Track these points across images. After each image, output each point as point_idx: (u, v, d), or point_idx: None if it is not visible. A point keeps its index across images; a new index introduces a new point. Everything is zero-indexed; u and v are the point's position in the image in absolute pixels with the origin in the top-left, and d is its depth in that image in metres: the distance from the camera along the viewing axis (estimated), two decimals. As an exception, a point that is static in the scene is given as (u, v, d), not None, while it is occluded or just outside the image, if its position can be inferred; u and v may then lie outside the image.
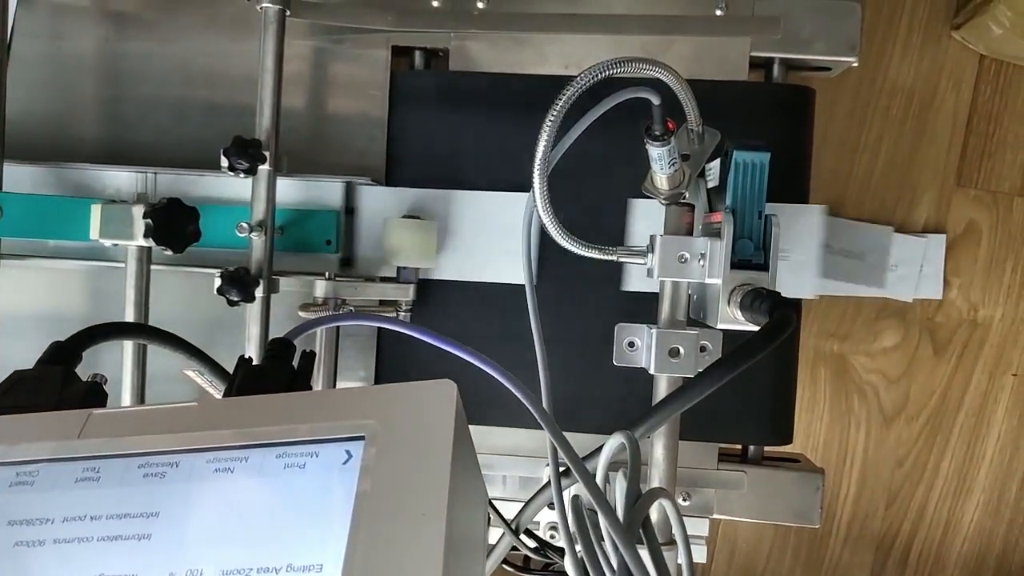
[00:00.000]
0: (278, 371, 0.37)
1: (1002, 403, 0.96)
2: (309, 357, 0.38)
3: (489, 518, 0.58)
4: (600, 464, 0.42)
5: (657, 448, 0.57)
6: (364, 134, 0.68)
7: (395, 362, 0.69)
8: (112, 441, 0.31)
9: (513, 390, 0.39)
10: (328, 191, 0.68)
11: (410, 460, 0.29)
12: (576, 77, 0.46)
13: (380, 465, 0.29)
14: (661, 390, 0.56)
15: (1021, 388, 0.95)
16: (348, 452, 0.30)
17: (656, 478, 0.57)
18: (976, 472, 0.97)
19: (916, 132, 0.93)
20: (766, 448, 0.73)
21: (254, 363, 0.38)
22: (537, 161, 0.48)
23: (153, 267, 0.66)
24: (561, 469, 0.52)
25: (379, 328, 0.68)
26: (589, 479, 0.34)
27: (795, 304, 0.70)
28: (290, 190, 0.68)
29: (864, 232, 0.91)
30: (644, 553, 0.35)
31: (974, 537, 0.98)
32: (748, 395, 0.68)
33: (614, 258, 0.56)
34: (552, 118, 0.47)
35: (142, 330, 0.43)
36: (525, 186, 0.51)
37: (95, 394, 0.37)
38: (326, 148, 0.68)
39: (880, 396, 0.97)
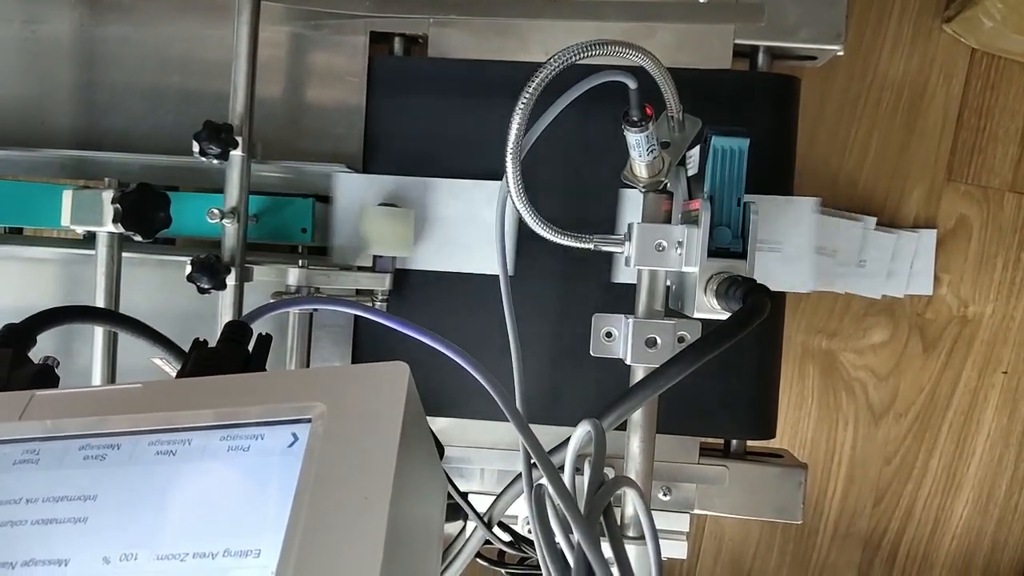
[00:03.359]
0: (232, 354, 0.36)
1: (992, 401, 0.95)
2: (265, 341, 0.37)
3: (465, 513, 0.57)
4: (568, 454, 0.41)
5: (634, 441, 0.56)
6: (342, 121, 0.67)
7: (372, 353, 0.68)
8: (53, 423, 0.30)
9: (479, 377, 0.38)
10: (304, 178, 0.67)
11: (356, 443, 0.28)
12: (548, 59, 0.45)
13: (326, 448, 0.28)
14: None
15: (1011, 386, 0.94)
16: (294, 435, 0.29)
17: (633, 472, 0.56)
18: (965, 470, 0.96)
19: (906, 126, 0.92)
20: (750, 443, 0.72)
21: (209, 346, 0.37)
22: (509, 146, 0.47)
23: (130, 256, 0.65)
24: (533, 461, 0.51)
25: (355, 318, 0.67)
26: (550, 468, 0.33)
27: (777, 296, 0.69)
28: (266, 177, 0.68)
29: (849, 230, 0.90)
30: (605, 545, 0.34)
31: (962, 535, 0.97)
32: (730, 388, 0.67)
33: (591, 246, 0.55)
34: (524, 102, 0.46)
35: (98, 314, 0.42)
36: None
37: (45, 377, 0.36)
38: (303, 135, 0.67)
39: (869, 393, 0.96)
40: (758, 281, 0.46)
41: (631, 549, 0.53)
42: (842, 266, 0.90)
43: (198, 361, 0.35)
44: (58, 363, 0.38)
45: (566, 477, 0.40)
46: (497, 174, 0.62)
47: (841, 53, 0.64)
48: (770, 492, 0.68)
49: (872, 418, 0.96)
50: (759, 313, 0.40)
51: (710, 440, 0.71)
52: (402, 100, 0.66)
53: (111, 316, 0.40)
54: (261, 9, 0.60)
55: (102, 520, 0.27)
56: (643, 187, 0.56)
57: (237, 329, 0.37)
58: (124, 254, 0.64)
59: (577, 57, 0.45)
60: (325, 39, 0.67)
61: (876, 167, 0.92)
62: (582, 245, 0.54)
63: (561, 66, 0.45)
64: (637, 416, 0.56)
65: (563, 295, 0.67)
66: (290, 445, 0.29)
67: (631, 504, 0.55)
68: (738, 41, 0.65)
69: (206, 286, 0.57)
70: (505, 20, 0.65)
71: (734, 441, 0.71)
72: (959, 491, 0.96)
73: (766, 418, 0.69)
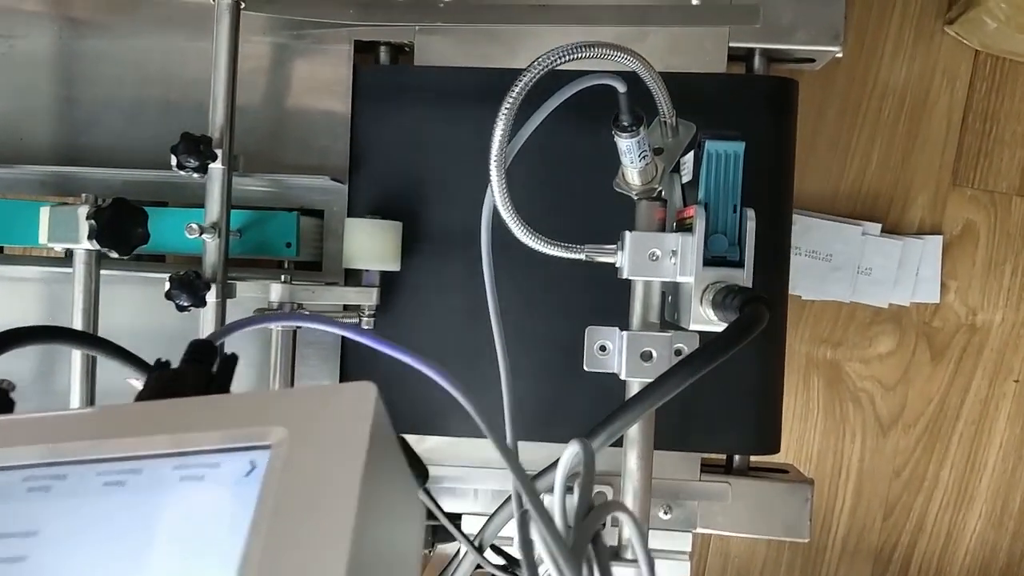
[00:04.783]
0: (195, 375, 0.34)
1: (1003, 410, 0.92)
2: (230, 361, 0.35)
3: (449, 536, 0.55)
4: (557, 476, 0.38)
5: (631, 457, 0.54)
6: (326, 132, 0.65)
7: (360, 371, 0.66)
8: (-2, 452, 0.28)
9: (458, 397, 0.36)
10: (289, 191, 0.65)
11: (317, 471, 0.26)
12: (532, 63, 0.43)
13: (285, 477, 0.26)
14: (633, 397, 0.53)
15: (1023, 394, 0.92)
16: (252, 463, 0.27)
17: (630, 489, 0.54)
18: (977, 482, 0.93)
19: (910, 131, 0.90)
20: (753, 458, 0.70)
21: (172, 367, 0.35)
22: (493, 153, 0.45)
23: (114, 274, 0.64)
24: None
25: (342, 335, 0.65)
26: (534, 494, 0.31)
27: (779, 305, 0.67)
28: (251, 191, 0.66)
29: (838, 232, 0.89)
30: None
31: (976, 549, 0.94)
32: (732, 402, 0.65)
33: (582, 256, 0.52)
34: (507, 108, 0.44)
35: (58, 334, 0.40)
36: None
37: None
38: (287, 147, 0.66)
39: (876, 404, 0.93)
40: (756, 291, 0.44)
41: (629, 573, 0.51)
42: (838, 269, 0.89)
43: (158, 383, 0.33)
44: (13, 387, 0.36)
45: (555, 500, 0.38)
46: (486, 183, 0.61)
47: (840, 55, 0.62)
48: (775, 509, 0.66)
49: (880, 429, 0.93)
50: (757, 324, 0.38)
51: (712, 456, 0.69)
52: (388, 110, 0.65)
53: (73, 335, 0.38)
54: (242, 19, 0.58)
55: (42, 558, 0.25)
56: (636, 195, 0.54)
57: (201, 349, 0.35)
58: (109, 272, 0.63)
59: (562, 60, 0.43)
60: (308, 49, 0.65)
61: (879, 173, 0.90)
62: (573, 256, 0.52)
63: (544, 70, 0.43)
64: (634, 431, 0.53)
65: (559, 308, 0.65)
66: (247, 474, 0.27)
67: (628, 528, 0.53)
68: (733, 44, 0.63)
69: (185, 304, 0.55)
70: (492, 27, 0.64)
71: (737, 456, 0.68)
72: (972, 504, 0.93)
73: (769, 432, 0.67)
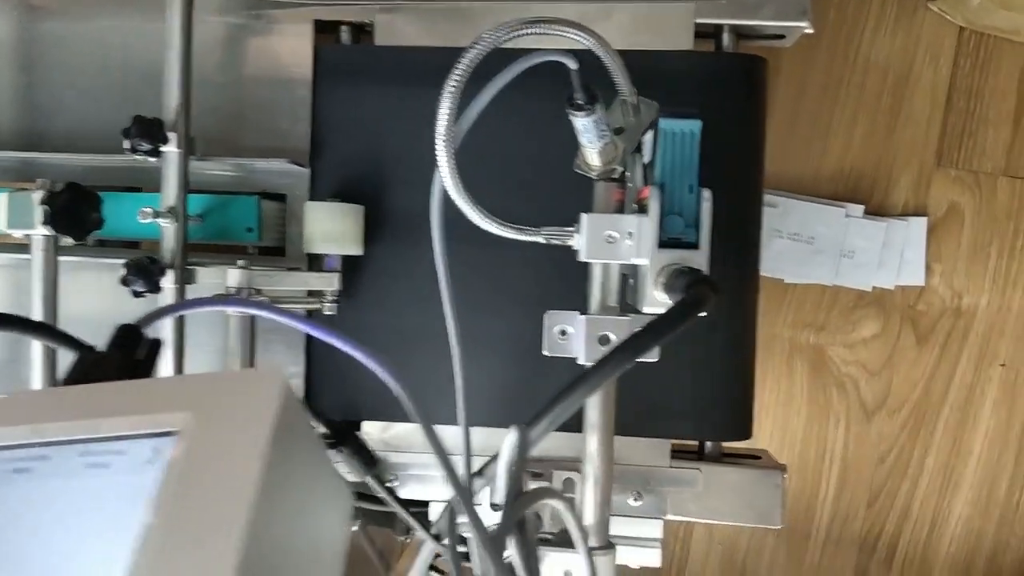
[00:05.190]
0: (118, 360, 0.33)
1: (989, 395, 0.91)
2: (154, 345, 0.34)
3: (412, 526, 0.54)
4: (501, 462, 0.38)
5: (591, 442, 0.53)
6: (287, 114, 0.64)
7: (327, 359, 0.65)
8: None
9: (391, 385, 0.35)
10: (253, 175, 0.64)
11: (219, 458, 0.25)
12: (476, 39, 0.42)
13: (187, 464, 0.25)
14: (592, 382, 0.52)
15: (1009, 379, 0.91)
16: (156, 449, 0.26)
17: (591, 474, 0.53)
18: (963, 468, 0.92)
19: (892, 110, 0.88)
20: (729, 444, 0.68)
21: (97, 352, 0.34)
22: (440, 132, 0.44)
23: (86, 261, 0.63)
24: (476, 470, 0.48)
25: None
26: (453, 477, 0.30)
27: (751, 287, 0.66)
28: (216, 176, 0.65)
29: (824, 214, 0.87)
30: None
31: (962, 536, 0.93)
32: (701, 387, 0.64)
33: (540, 239, 0.51)
34: (452, 85, 0.43)
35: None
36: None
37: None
38: (246, 129, 0.64)
39: (860, 389, 0.92)
40: (705, 273, 0.43)
41: (578, 559, 0.50)
42: (820, 252, 0.87)
43: (81, 368, 0.33)
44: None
45: (499, 486, 0.38)
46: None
47: (810, 30, 0.61)
48: (747, 495, 0.65)
49: (864, 415, 0.92)
50: (699, 305, 0.37)
51: (685, 442, 0.68)
52: (350, 91, 0.64)
53: (11, 321, 0.38)
54: (198, -2, 0.57)
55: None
56: (596, 176, 0.53)
57: (126, 334, 0.34)
58: (77, 258, 0.62)
59: (507, 37, 0.42)
60: (267, 29, 0.64)
61: (862, 153, 0.89)
62: (530, 238, 0.51)
63: (490, 47, 0.42)
64: (594, 416, 0.53)
65: (523, 293, 0.64)
66: (151, 461, 0.26)
67: (589, 511, 0.52)
68: (700, 20, 0.61)
69: (140, 289, 0.55)
70: (454, 4, 0.62)
71: (709, 443, 0.67)
72: (957, 490, 0.92)
73: (740, 418, 0.66)
